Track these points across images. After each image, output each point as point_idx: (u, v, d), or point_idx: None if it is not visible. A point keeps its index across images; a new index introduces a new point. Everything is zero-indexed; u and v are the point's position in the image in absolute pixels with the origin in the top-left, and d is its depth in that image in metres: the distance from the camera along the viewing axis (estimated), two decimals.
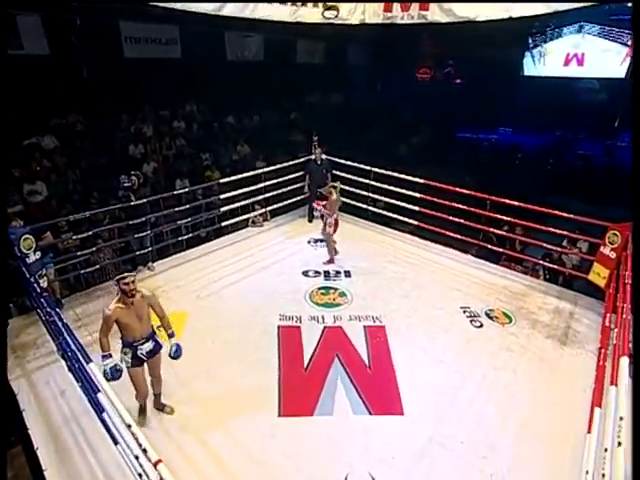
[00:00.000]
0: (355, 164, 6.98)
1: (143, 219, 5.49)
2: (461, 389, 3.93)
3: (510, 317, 4.91)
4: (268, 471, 3.18)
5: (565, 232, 5.36)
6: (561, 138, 10.87)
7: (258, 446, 3.36)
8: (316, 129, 7.34)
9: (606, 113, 10.69)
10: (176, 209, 5.92)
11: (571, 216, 5.03)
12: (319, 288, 5.49)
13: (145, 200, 5.52)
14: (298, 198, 7.51)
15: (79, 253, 5.23)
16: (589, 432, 3.23)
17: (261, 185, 6.66)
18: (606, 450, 2.55)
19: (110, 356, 3.05)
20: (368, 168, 6.78)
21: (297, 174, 7.27)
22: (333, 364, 4.23)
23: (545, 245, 5.62)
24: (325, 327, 4.74)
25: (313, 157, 6.94)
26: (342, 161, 7.13)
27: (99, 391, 2.59)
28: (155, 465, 1.94)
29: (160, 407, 3.65)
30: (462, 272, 5.85)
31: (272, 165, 7.20)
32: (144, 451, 2.03)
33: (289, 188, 7.28)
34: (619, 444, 2.30)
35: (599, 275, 4.84)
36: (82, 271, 5.26)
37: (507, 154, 10.44)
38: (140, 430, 2.39)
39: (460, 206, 5.84)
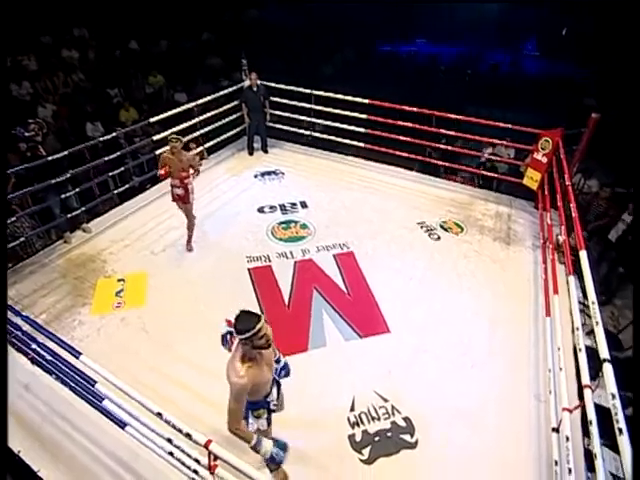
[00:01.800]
0: (294, 88, 6.35)
1: (69, 175, 4.54)
2: (433, 299, 4.16)
3: (461, 226, 5.17)
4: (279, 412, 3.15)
5: (505, 142, 5.58)
6: (474, 48, 10.96)
7: None
8: (235, 51, 6.45)
9: (511, 22, 10.85)
10: (105, 159, 4.96)
11: (508, 126, 5.20)
12: (279, 223, 5.22)
13: (66, 152, 4.51)
14: (234, 131, 6.80)
15: None
16: (548, 316, 3.67)
17: (195, 121, 5.81)
18: (578, 329, 2.90)
19: (263, 437, 2.11)
20: (308, 92, 6.21)
21: (230, 105, 6.47)
22: (313, 297, 4.18)
23: (486, 155, 5.84)
24: (296, 262, 4.60)
25: (247, 84, 6.15)
26: (280, 86, 6.44)
27: (96, 382, 2.22)
28: (206, 446, 1.74)
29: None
30: (411, 189, 5.94)
31: (193, 95, 6.29)
32: (187, 435, 1.80)
33: (223, 121, 6.49)
34: (597, 323, 2.58)
35: (532, 179, 5.20)
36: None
37: (428, 66, 10.34)
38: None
39: (406, 124, 5.71)
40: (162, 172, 4.31)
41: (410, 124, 5.70)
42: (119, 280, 4.35)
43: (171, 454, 2.13)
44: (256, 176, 6.17)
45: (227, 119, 6.47)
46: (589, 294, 2.84)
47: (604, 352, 2.40)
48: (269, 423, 2.40)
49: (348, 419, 3.13)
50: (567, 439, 2.49)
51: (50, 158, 4.34)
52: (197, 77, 8.39)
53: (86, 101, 7.15)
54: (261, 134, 6.58)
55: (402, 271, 4.48)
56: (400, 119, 5.85)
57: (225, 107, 6.35)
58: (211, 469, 1.81)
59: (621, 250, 5.15)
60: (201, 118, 5.87)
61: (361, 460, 2.90)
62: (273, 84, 6.46)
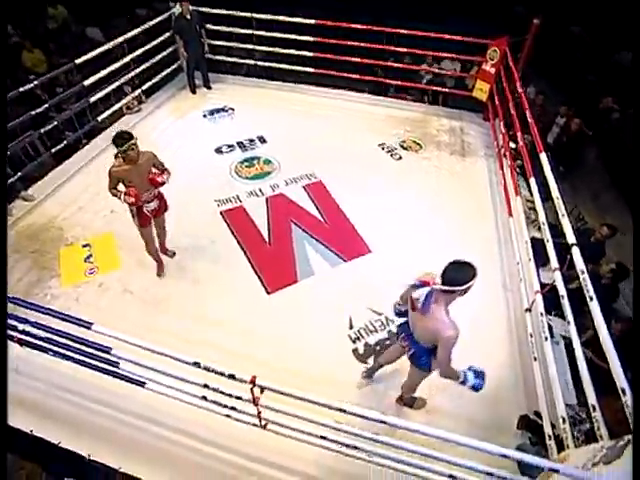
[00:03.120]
0: (231, 12, 5.59)
1: None
2: (404, 216, 4.29)
3: (420, 144, 5.22)
4: (282, 341, 3.22)
5: (454, 55, 5.48)
6: None
7: (263, 325, 3.31)
8: None
9: None
10: (33, 113, 4.20)
11: (458, 38, 5.05)
12: (241, 162, 4.93)
13: None
14: (171, 69, 6.02)
15: None
16: (511, 216, 3.95)
17: (127, 59, 4.99)
18: (544, 224, 3.16)
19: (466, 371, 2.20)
20: (248, 15, 5.51)
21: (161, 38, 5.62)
22: (292, 230, 4.14)
23: (435, 70, 5.74)
24: (267, 198, 4.47)
25: (177, 11, 5.30)
26: (214, 11, 5.62)
27: (111, 348, 2.10)
28: (253, 382, 1.74)
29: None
30: (366, 111, 5.81)
31: (110, 30, 5.35)
32: (231, 376, 1.79)
33: (157, 58, 5.69)
34: (563, 215, 2.84)
35: (481, 90, 5.26)
36: None
37: None
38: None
39: (357, 44, 5.37)
40: (132, 199, 3.01)
41: (362, 44, 5.36)
42: (84, 246, 3.97)
43: (204, 398, 2.13)
44: (205, 115, 5.64)
45: (160, 55, 5.66)
46: (553, 191, 3.07)
47: (572, 238, 2.66)
48: None
49: (349, 336, 3.31)
50: (541, 314, 2.83)
51: None
52: (106, 7, 7.10)
53: None
54: (201, 68, 5.87)
55: (371, 193, 4.52)
56: (344, 39, 5.47)
57: (157, 41, 5.50)
58: (255, 401, 1.85)
59: (557, 151, 5.54)
60: (133, 55, 5.06)
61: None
62: (205, 9, 5.61)
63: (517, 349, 3.23)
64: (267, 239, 4.05)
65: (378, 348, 3.26)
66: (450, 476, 1.90)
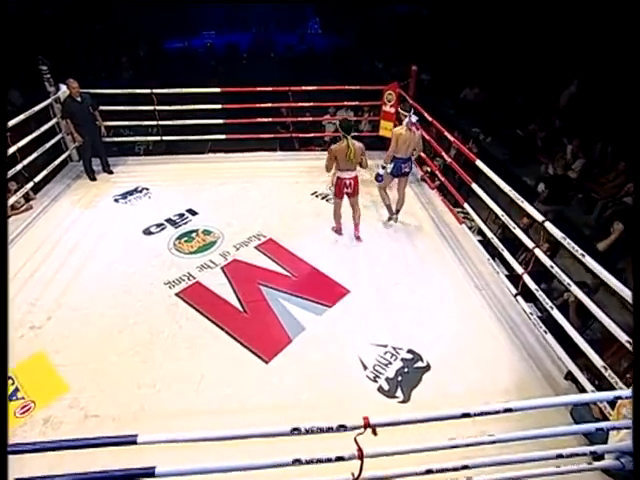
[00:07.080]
0: (125, 91, 5.46)
1: None
2: (362, 248, 4.54)
3: None
4: (305, 403, 2.97)
5: (356, 102, 6.26)
6: (259, 33, 11.63)
7: (277, 395, 3.03)
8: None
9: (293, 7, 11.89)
10: None
11: (357, 87, 5.83)
12: (178, 238, 4.62)
13: None
14: (60, 159, 5.48)
15: None
16: (461, 223, 4.49)
17: (13, 149, 4.35)
18: (503, 215, 3.68)
19: None
20: (148, 91, 5.44)
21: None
22: (264, 292, 3.96)
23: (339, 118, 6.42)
24: (222, 267, 4.22)
25: (62, 94, 4.94)
26: (105, 91, 5.40)
27: (154, 468, 1.65)
28: (367, 425, 1.55)
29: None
30: (285, 167, 6.10)
31: None
32: (341, 427, 1.56)
33: (45, 147, 5.16)
34: (522, 201, 3.37)
35: (386, 129, 6.05)
36: None
37: (233, 54, 10.52)
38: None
39: (265, 105, 5.73)
40: None
41: (268, 104, 5.74)
42: None
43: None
44: (117, 200, 5.18)
45: (48, 144, 5.15)
46: (502, 185, 3.61)
47: (540, 217, 3.17)
48: None
49: (368, 377, 3.21)
50: (536, 290, 3.20)
51: None
52: None
53: None
54: (100, 153, 5.47)
55: (324, 237, 4.67)
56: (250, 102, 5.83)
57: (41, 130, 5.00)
58: (360, 454, 1.64)
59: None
60: (19, 145, 4.44)
61: (400, 402, 3.05)
62: (92, 90, 5.29)
63: (514, 333, 3.52)
64: (241, 308, 3.77)
65: (400, 379, 3.22)
66: (558, 456, 1.94)
